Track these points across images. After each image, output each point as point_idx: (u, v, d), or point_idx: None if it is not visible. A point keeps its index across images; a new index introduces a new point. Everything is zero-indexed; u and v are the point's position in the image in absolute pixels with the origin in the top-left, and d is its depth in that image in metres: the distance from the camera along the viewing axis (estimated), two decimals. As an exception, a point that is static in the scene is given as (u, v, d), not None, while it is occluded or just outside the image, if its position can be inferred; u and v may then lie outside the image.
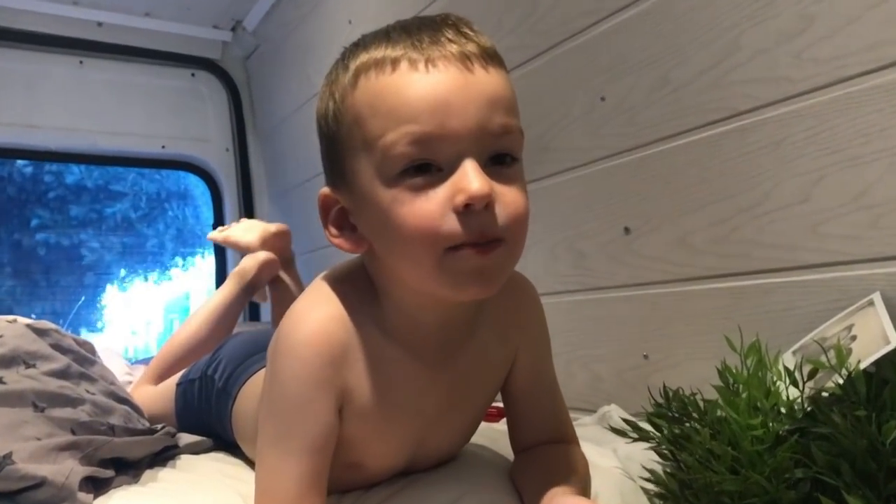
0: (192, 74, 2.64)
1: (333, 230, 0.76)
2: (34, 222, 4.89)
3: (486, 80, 0.67)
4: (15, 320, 1.25)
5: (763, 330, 1.05)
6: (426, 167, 0.66)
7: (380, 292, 0.77)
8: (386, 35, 0.70)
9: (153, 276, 5.37)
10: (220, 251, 2.72)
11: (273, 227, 1.69)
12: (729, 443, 0.83)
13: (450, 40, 0.68)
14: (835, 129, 0.95)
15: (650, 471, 0.93)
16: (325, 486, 0.74)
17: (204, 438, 1.12)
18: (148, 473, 0.95)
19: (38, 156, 2.56)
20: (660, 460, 0.94)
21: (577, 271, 1.38)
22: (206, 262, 3.13)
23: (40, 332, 1.13)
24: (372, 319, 0.76)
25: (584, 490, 0.83)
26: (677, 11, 1.14)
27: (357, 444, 0.79)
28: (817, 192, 0.98)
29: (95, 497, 0.83)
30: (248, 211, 2.68)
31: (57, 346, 1.12)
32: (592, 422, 1.25)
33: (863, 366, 0.80)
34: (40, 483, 0.79)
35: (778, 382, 0.89)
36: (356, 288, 0.78)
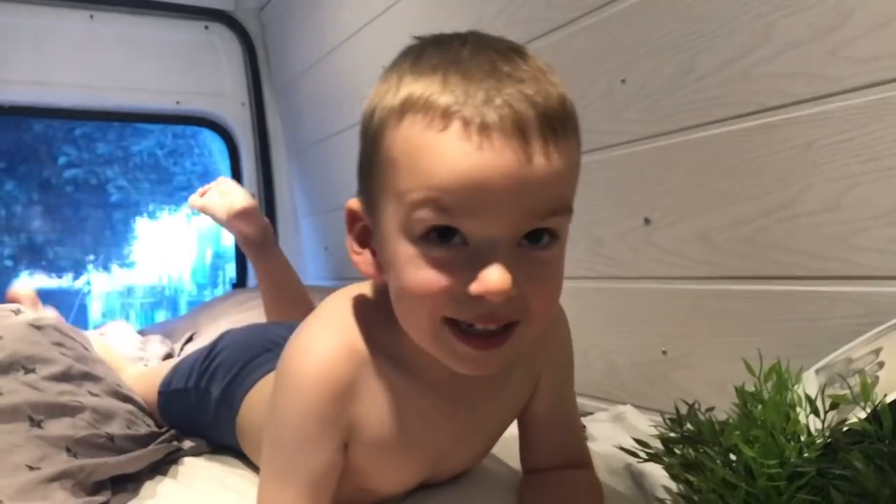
0: (206, 27, 2.56)
1: (356, 246, 0.70)
2: (62, 160, 4.91)
3: (545, 172, 0.59)
4: (18, 311, 1.24)
5: (785, 338, 1.00)
6: (451, 232, 0.60)
7: (394, 319, 0.73)
8: (444, 71, 0.61)
9: (182, 211, 5.41)
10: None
11: (238, 205, 1.50)
12: (744, 471, 0.80)
13: (509, 103, 0.58)
14: (870, 134, 0.88)
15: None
16: None
17: (202, 441, 1.11)
18: (147, 487, 0.94)
19: (50, 113, 2.53)
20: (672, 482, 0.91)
21: (593, 258, 1.33)
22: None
23: (41, 330, 1.11)
24: (383, 349, 0.73)
25: None
26: (704, -7, 1.06)
27: (366, 473, 0.77)
28: (848, 200, 0.92)
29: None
30: (265, 167, 2.63)
31: (59, 345, 1.11)
32: (607, 419, 1.22)
33: (889, 399, 0.76)
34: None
35: (798, 409, 0.85)
36: (369, 313, 0.74)
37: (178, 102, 2.52)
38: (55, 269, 5.10)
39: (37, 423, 0.92)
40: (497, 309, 0.61)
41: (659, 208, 1.19)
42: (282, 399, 0.71)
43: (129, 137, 5.15)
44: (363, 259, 0.69)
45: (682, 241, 1.15)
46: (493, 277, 0.59)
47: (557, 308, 0.82)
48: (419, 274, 0.61)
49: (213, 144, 2.80)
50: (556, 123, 0.61)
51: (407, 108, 0.61)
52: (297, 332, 0.73)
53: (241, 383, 1.02)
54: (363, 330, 0.73)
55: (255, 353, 1.03)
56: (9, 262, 4.94)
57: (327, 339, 0.72)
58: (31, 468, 0.82)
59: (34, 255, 4.99)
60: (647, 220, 1.21)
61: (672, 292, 1.19)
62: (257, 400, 0.98)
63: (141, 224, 5.33)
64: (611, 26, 1.22)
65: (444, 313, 0.62)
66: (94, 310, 5.10)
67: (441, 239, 0.60)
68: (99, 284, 5.17)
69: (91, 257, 5.29)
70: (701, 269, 1.13)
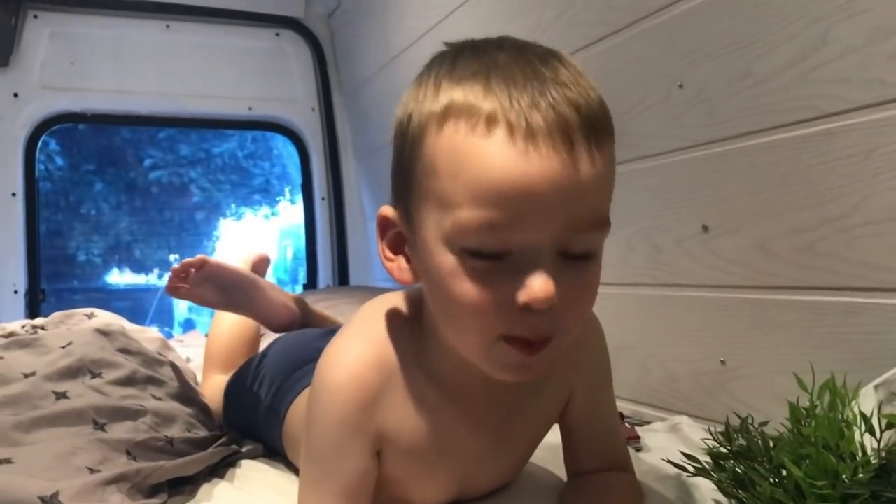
0: (277, 34, 2.62)
1: (389, 253, 0.70)
2: (147, 162, 5.11)
3: (589, 174, 0.59)
4: (92, 314, 1.30)
5: (844, 351, 0.98)
6: (496, 255, 0.60)
7: (427, 330, 0.74)
8: (485, 76, 0.61)
9: (262, 210, 5.55)
10: (308, 195, 2.76)
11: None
12: (794, 495, 0.78)
13: (553, 105, 0.58)
14: (933, 142, 0.85)
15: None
16: None
17: (259, 445, 1.13)
18: (204, 490, 0.96)
19: (129, 120, 2.62)
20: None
21: (652, 265, 1.31)
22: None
23: (108, 336, 1.16)
24: (414, 359, 0.73)
25: None
26: (761, -4, 1.03)
27: (400, 482, 0.78)
28: (911, 210, 0.88)
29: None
30: (334, 170, 2.68)
31: (125, 351, 1.15)
32: (664, 429, 1.20)
33: (949, 420, 0.73)
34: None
35: (854, 427, 0.82)
36: (400, 323, 0.75)
37: (250, 108, 2.59)
38: (141, 266, 5.29)
39: (100, 427, 0.97)
40: (541, 323, 0.61)
41: (717, 215, 1.17)
42: (315, 408, 0.73)
43: (210, 140, 5.32)
44: (396, 265, 0.69)
45: (740, 250, 1.13)
46: (538, 285, 0.59)
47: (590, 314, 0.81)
48: (465, 287, 0.61)
49: (286, 148, 2.86)
50: (599, 128, 0.61)
51: (448, 114, 0.61)
52: (331, 343, 0.75)
53: (287, 393, 1.04)
54: (394, 340, 0.73)
55: (301, 362, 1.05)
56: (98, 260, 5.16)
57: (357, 349, 0.73)
58: (91, 470, 0.86)
59: (121, 253, 5.20)
60: (705, 228, 1.19)
61: (731, 301, 1.16)
62: (299, 410, 0.99)
63: (223, 223, 5.49)
64: (669, 30, 1.20)
65: (497, 332, 0.62)
66: (181, 306, 5.26)
67: (487, 255, 0.60)
68: (184, 282, 5.31)
69: (175, 256, 5.47)
70: (759, 279, 1.10)
